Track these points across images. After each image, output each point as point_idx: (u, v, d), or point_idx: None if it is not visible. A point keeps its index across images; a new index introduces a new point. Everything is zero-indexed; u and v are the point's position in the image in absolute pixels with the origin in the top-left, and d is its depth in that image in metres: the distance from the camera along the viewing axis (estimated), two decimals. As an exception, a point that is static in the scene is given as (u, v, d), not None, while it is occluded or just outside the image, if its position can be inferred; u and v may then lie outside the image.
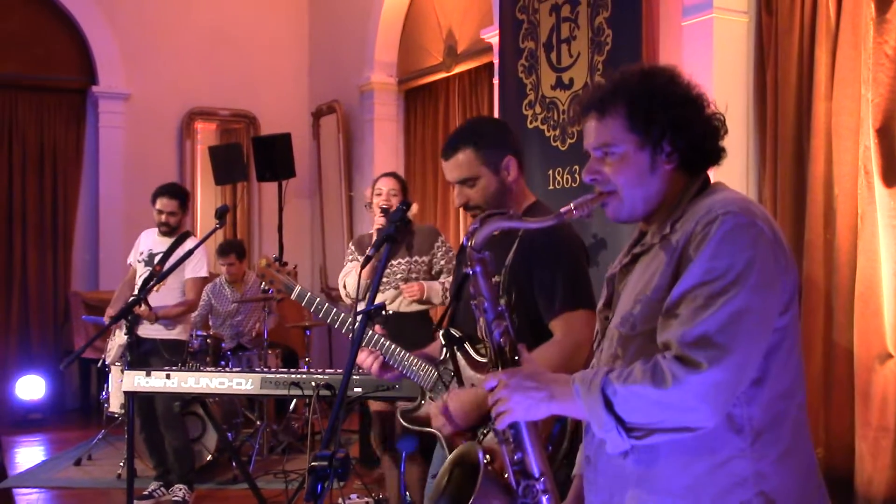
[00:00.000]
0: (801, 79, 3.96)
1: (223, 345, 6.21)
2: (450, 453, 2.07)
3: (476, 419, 2.28)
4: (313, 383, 3.68)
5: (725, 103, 1.75)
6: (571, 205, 1.65)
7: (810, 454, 1.63)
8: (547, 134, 5.01)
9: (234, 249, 6.46)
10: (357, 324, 2.19)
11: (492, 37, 5.77)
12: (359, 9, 7.77)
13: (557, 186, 4.90)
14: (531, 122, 5.11)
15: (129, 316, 4.04)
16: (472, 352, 2.42)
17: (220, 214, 4.17)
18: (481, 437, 2.28)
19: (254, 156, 7.76)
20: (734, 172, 4.10)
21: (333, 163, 8.28)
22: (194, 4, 8.45)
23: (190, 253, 4.33)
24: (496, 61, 5.66)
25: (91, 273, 8.10)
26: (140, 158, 8.12)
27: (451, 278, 4.13)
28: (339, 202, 8.18)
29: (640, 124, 1.62)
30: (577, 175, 4.76)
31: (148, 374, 3.87)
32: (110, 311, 5.00)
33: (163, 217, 5.08)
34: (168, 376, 3.85)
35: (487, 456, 1.80)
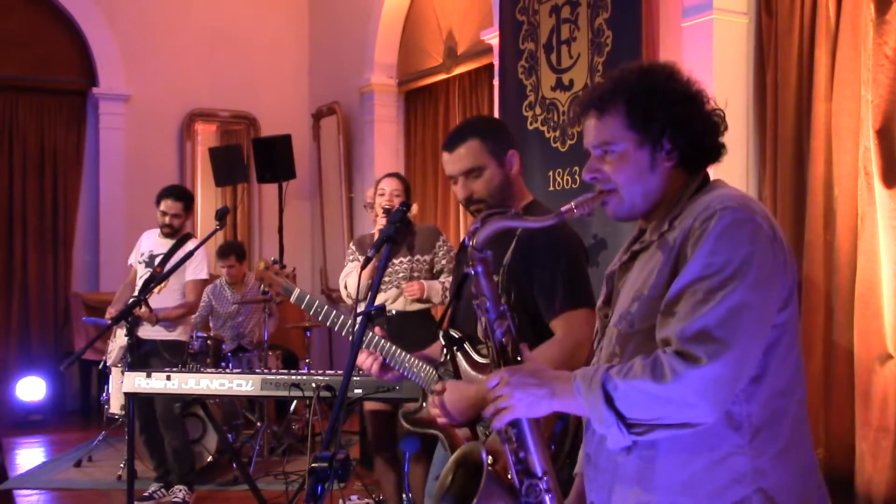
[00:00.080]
0: (800, 80, 3.96)
1: (223, 346, 6.21)
2: (452, 454, 2.07)
3: (471, 414, 2.27)
4: (313, 384, 3.69)
5: (725, 104, 1.75)
6: (572, 203, 1.65)
7: (810, 451, 1.63)
8: (547, 135, 5.01)
9: (233, 251, 6.46)
10: (357, 325, 2.19)
11: (492, 38, 5.78)
12: (359, 10, 7.77)
13: (557, 187, 4.90)
14: (531, 124, 5.12)
15: (130, 317, 4.05)
16: (472, 352, 2.42)
17: (221, 216, 4.17)
18: (484, 437, 2.28)
19: (254, 157, 7.77)
20: (734, 173, 4.10)
21: (334, 164, 8.28)
22: (194, 6, 8.45)
23: (190, 254, 4.33)
24: (496, 63, 5.66)
25: (91, 274, 8.11)
26: (140, 160, 8.13)
27: (451, 278, 4.13)
28: (339, 203, 8.18)
29: (640, 122, 1.62)
30: (577, 176, 4.77)
31: (148, 376, 3.87)
32: (111, 312, 5.00)
33: (167, 219, 5.08)
34: (168, 377, 3.85)
35: (491, 457, 1.80)
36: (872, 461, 3.52)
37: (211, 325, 6.46)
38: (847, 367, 3.69)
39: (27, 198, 7.86)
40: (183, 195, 5.18)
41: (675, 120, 1.62)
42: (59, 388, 7.71)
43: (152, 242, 5.18)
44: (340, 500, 4.59)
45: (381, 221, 4.18)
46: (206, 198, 8.65)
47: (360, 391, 3.58)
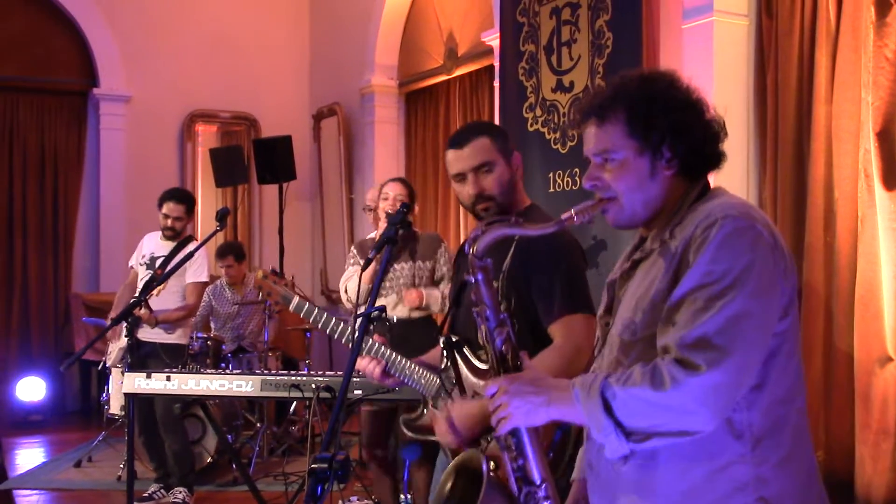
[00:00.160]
0: (801, 82, 3.96)
1: (223, 347, 6.22)
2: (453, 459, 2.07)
3: (480, 430, 2.27)
4: (313, 385, 3.68)
5: (725, 107, 1.75)
6: (572, 211, 1.65)
7: (811, 459, 1.63)
8: (547, 137, 5.01)
9: (232, 251, 6.45)
10: (357, 326, 2.19)
11: (492, 40, 5.78)
12: (359, 11, 7.78)
13: (558, 189, 4.90)
14: (532, 125, 5.12)
15: (130, 318, 4.05)
16: (472, 358, 2.41)
17: (221, 217, 4.17)
18: (485, 444, 2.27)
19: (254, 158, 7.78)
20: (734, 175, 4.10)
21: (334, 165, 8.29)
22: (195, 7, 8.46)
23: (190, 255, 4.33)
24: (497, 64, 5.66)
25: (92, 275, 8.11)
26: (141, 161, 8.14)
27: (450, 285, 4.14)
28: (339, 205, 8.18)
29: (640, 130, 1.62)
30: (577, 178, 4.77)
31: (148, 376, 3.87)
32: (113, 315, 5.01)
33: (169, 221, 5.09)
34: (168, 378, 3.85)
35: (493, 463, 1.80)
36: (872, 464, 3.52)
37: (211, 325, 6.46)
38: (847, 369, 3.69)
39: (27, 198, 7.86)
40: (185, 198, 5.19)
41: (675, 128, 1.62)
42: (59, 388, 7.71)
43: (154, 245, 5.18)
44: (340, 501, 4.58)
45: (384, 226, 4.17)
46: (207, 199, 8.65)
47: (359, 392, 3.58)
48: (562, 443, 2.20)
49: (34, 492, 5.45)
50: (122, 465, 5.40)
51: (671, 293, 1.54)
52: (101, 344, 5.33)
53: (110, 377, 5.66)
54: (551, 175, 4.94)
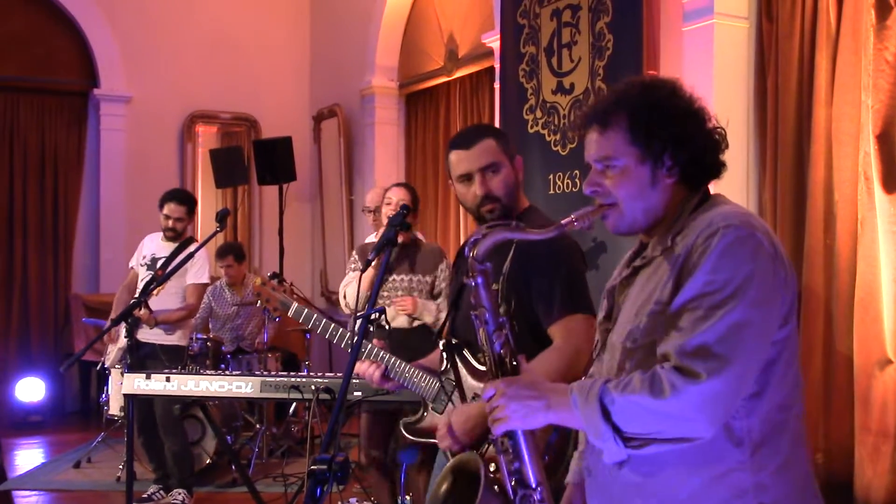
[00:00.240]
0: (801, 84, 3.96)
1: (223, 348, 6.22)
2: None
3: (480, 435, 2.27)
4: (313, 387, 3.69)
5: (727, 117, 1.76)
6: (572, 216, 1.66)
7: (807, 465, 1.64)
8: (548, 138, 5.01)
9: (232, 251, 6.45)
10: (357, 327, 2.19)
11: (493, 41, 5.78)
12: (360, 13, 7.78)
13: (558, 191, 4.90)
14: (532, 127, 5.12)
15: (129, 319, 4.05)
16: (472, 360, 2.42)
17: (221, 218, 4.17)
18: (485, 447, 2.27)
19: (255, 159, 7.78)
20: (734, 178, 4.10)
21: (334, 166, 8.29)
22: (196, 8, 8.46)
23: (191, 256, 4.33)
24: (497, 66, 5.66)
25: (92, 276, 8.11)
26: (141, 161, 8.14)
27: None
28: (339, 206, 8.18)
29: (642, 138, 1.63)
30: (577, 180, 4.77)
31: (148, 377, 3.88)
32: (112, 316, 5.01)
33: (170, 222, 5.09)
34: (168, 379, 3.85)
35: (493, 465, 1.80)
36: (872, 466, 3.52)
37: (210, 326, 6.46)
38: (846, 371, 3.69)
39: (28, 199, 7.86)
40: (187, 199, 5.19)
41: (676, 136, 1.63)
42: (58, 389, 7.71)
43: (154, 246, 5.19)
44: (339, 503, 4.58)
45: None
46: (207, 199, 8.65)
47: (359, 394, 3.58)
48: (560, 445, 2.21)
49: (33, 492, 5.45)
50: (121, 466, 5.40)
51: (672, 301, 1.55)
52: (100, 345, 5.33)
53: (110, 378, 5.66)
54: (551, 177, 4.94)
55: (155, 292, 4.49)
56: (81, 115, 8.16)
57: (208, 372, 4.63)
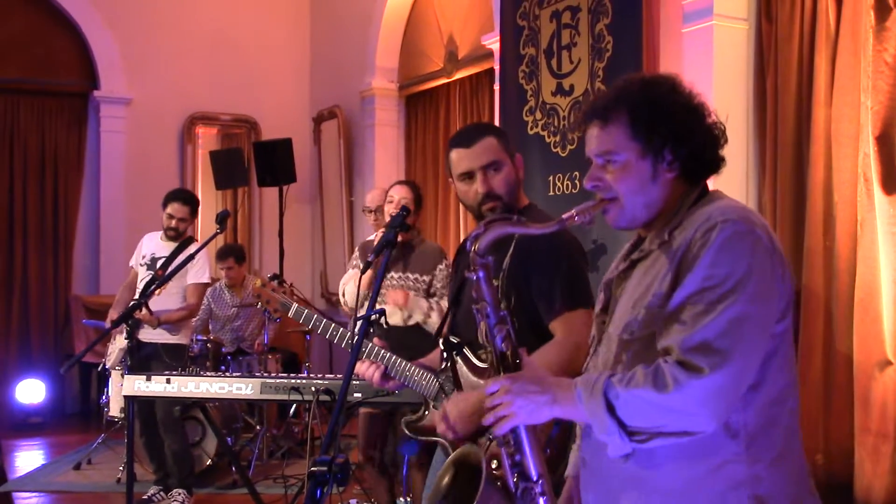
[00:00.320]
0: (800, 86, 3.96)
1: (223, 349, 6.22)
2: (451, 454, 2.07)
3: (476, 423, 2.28)
4: (313, 388, 3.69)
5: (727, 114, 1.77)
6: (573, 211, 1.67)
7: (801, 459, 1.66)
8: (547, 140, 5.02)
9: (232, 253, 6.46)
10: (357, 328, 2.19)
11: (493, 43, 5.79)
12: (360, 14, 7.79)
13: (557, 192, 4.90)
14: (532, 128, 5.12)
15: (130, 320, 4.05)
16: (472, 357, 2.42)
17: (221, 219, 4.18)
18: (487, 442, 2.28)
19: (255, 161, 7.79)
20: (734, 179, 4.11)
21: (334, 168, 8.29)
22: (196, 9, 8.47)
23: (191, 257, 4.34)
24: (497, 67, 5.67)
25: (92, 277, 8.11)
26: (141, 163, 8.15)
27: (442, 300, 4.11)
28: (339, 207, 8.19)
29: (643, 133, 1.64)
30: (577, 181, 4.77)
31: (148, 379, 3.88)
32: (112, 315, 5.01)
33: (173, 222, 5.09)
34: (168, 381, 3.85)
35: (495, 461, 1.81)
36: (872, 467, 3.52)
37: (210, 328, 6.46)
38: (846, 372, 3.69)
39: (28, 200, 7.87)
40: (191, 200, 5.20)
41: (677, 131, 1.64)
42: (58, 390, 7.71)
43: (154, 245, 5.19)
44: (339, 504, 4.58)
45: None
46: (207, 201, 8.63)
47: (359, 395, 3.58)
48: (562, 438, 2.21)
49: (33, 494, 5.45)
50: (121, 468, 5.40)
51: (671, 295, 1.56)
52: (100, 346, 5.33)
53: (110, 380, 5.66)
54: (551, 178, 4.94)
55: (157, 292, 4.50)
56: (81, 117, 8.16)
57: (208, 373, 4.64)
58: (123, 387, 3.97)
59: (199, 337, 5.99)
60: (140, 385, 3.87)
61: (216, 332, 6.42)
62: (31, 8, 7.91)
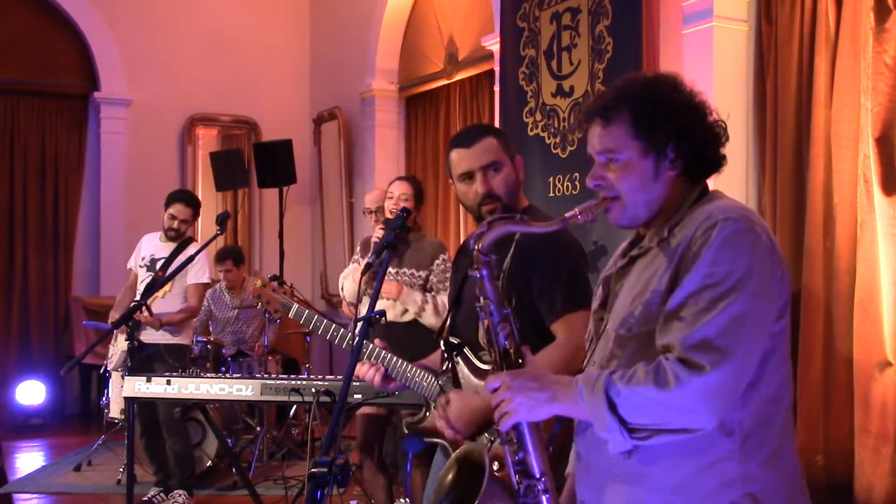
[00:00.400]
0: (800, 87, 3.97)
1: (223, 351, 6.22)
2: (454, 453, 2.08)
3: (475, 425, 2.28)
4: (313, 389, 3.69)
5: (727, 112, 1.77)
6: (576, 210, 1.67)
7: (795, 458, 1.66)
8: (547, 141, 5.02)
9: (230, 256, 6.44)
10: (358, 330, 2.19)
11: (493, 44, 5.79)
12: (360, 16, 7.79)
13: (558, 193, 4.91)
14: (532, 130, 5.13)
15: (131, 321, 4.05)
16: (473, 358, 2.42)
17: (221, 221, 4.18)
18: (489, 442, 2.28)
19: (255, 162, 7.79)
20: (734, 180, 4.11)
21: (334, 169, 8.30)
22: (196, 10, 8.47)
23: (192, 258, 4.34)
24: (497, 69, 5.67)
25: (92, 278, 8.12)
26: (141, 164, 8.15)
27: (438, 295, 4.10)
28: (339, 208, 8.19)
29: (645, 131, 1.65)
30: (577, 182, 4.77)
31: (148, 380, 3.87)
32: (114, 317, 5.01)
33: (175, 223, 5.09)
34: (168, 382, 3.85)
35: (496, 462, 1.81)
36: (872, 468, 3.53)
37: (210, 329, 6.46)
38: (846, 373, 3.69)
39: (28, 201, 7.87)
40: (193, 201, 5.21)
41: (679, 130, 1.65)
42: (59, 392, 7.71)
43: (153, 246, 5.19)
44: (339, 505, 4.58)
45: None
46: (207, 202, 8.61)
47: (359, 396, 3.58)
48: (564, 436, 2.21)
49: (34, 495, 5.45)
50: (121, 469, 5.40)
51: (670, 292, 1.57)
52: (101, 347, 5.33)
53: (110, 381, 5.66)
54: (551, 179, 4.94)
55: (161, 294, 4.50)
56: (82, 118, 8.16)
57: (209, 375, 4.64)
58: (124, 388, 3.97)
59: (200, 338, 5.99)
60: (140, 386, 3.87)
61: (216, 333, 6.42)
62: (31, 9, 7.91)
